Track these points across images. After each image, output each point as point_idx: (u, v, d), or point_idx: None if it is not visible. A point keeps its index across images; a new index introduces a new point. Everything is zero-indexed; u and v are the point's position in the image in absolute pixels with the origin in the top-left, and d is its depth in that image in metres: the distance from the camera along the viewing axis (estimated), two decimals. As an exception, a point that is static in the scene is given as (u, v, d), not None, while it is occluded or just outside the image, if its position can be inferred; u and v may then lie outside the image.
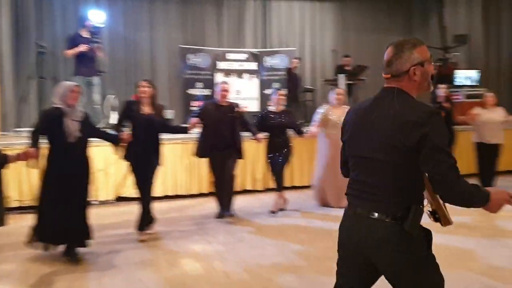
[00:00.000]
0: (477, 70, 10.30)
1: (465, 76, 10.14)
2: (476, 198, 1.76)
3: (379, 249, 1.85)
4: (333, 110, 6.23)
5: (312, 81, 11.46)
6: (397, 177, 1.83)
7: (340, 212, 2.09)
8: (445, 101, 7.24)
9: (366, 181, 1.92)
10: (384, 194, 1.86)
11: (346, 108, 5.00)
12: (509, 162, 8.41)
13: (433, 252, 1.92)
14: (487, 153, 6.93)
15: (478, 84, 10.06)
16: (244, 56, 10.38)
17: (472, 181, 1.79)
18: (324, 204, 6.41)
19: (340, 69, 9.65)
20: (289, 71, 9.84)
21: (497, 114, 6.98)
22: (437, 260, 1.92)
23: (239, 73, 10.27)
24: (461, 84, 9.95)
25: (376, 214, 1.86)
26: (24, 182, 6.07)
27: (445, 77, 9.40)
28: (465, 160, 7.41)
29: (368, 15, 12.01)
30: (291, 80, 9.73)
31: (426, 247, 1.89)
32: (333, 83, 9.18)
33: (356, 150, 1.99)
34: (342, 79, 8.98)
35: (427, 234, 1.89)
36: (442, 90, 7.30)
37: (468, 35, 10.57)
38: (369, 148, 1.89)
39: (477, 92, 9.39)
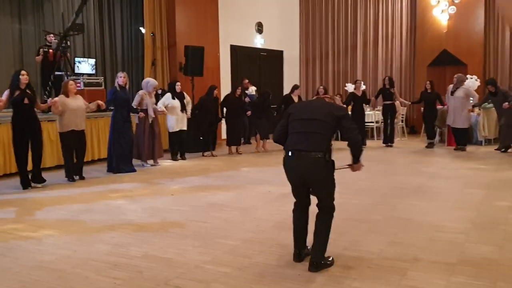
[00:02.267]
0: (93, 59, 10.67)
1: (85, 64, 10.35)
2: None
3: (313, 171, 3.47)
4: None
5: None
6: (325, 131, 3.49)
7: None
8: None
9: (307, 131, 3.49)
10: (317, 139, 3.46)
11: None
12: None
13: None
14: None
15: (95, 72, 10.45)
16: None
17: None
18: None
19: None
20: None
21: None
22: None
23: None
24: (80, 72, 10.10)
25: (312, 152, 3.43)
26: None
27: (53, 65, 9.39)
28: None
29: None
30: None
31: (333, 169, 3.51)
32: None
33: (301, 116, 3.59)
34: None
35: (333, 162, 3.50)
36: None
37: (83, 24, 10.76)
38: (312, 114, 3.56)
39: (95, 80, 9.74)
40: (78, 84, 9.37)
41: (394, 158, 9.53)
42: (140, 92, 8.32)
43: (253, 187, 6.64)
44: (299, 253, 3.72)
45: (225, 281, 3.37)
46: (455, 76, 10.38)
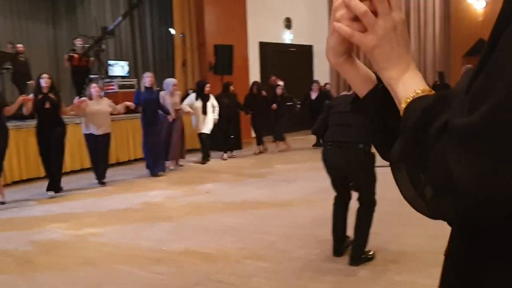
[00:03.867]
0: (126, 62, 10.90)
1: (118, 66, 10.59)
2: None
3: (353, 163, 3.49)
4: None
5: None
6: (364, 123, 3.14)
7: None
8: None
9: (346, 124, 3.51)
10: (356, 131, 3.44)
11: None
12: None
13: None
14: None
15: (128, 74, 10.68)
16: None
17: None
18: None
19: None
20: None
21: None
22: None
23: None
24: (114, 75, 10.34)
25: (352, 143, 3.46)
26: None
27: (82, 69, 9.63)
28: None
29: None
30: None
31: (373, 162, 3.48)
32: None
33: (340, 109, 3.55)
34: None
35: (374, 155, 3.43)
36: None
37: (115, 27, 11.00)
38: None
39: (129, 82, 9.95)
40: (112, 87, 9.62)
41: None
42: (161, 93, 8.08)
43: (288, 183, 6.66)
44: (339, 247, 3.72)
45: (265, 276, 3.40)
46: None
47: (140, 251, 4.01)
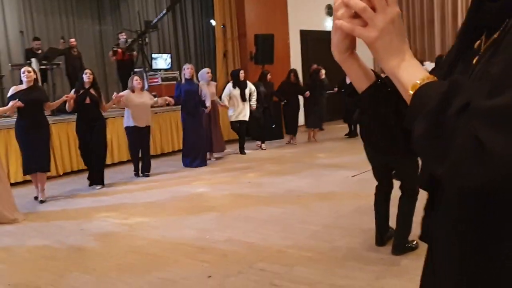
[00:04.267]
0: (168, 54, 11.09)
1: (161, 59, 10.81)
2: None
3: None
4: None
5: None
6: None
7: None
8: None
9: None
10: None
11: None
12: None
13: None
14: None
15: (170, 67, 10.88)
16: None
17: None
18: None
19: (30, 53, 8.86)
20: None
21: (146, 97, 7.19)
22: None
23: None
24: (157, 68, 10.56)
25: None
26: None
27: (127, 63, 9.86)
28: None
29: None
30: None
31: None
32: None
33: None
34: (35, 64, 8.25)
35: None
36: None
37: (159, 21, 11.21)
38: None
39: (171, 75, 10.13)
40: (156, 79, 9.83)
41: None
42: (199, 83, 8.00)
43: (330, 173, 6.61)
44: (382, 237, 3.69)
45: (308, 265, 3.42)
46: None
47: (185, 240, 4.11)
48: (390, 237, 3.65)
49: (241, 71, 8.70)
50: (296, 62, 12.50)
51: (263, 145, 9.20)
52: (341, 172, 6.53)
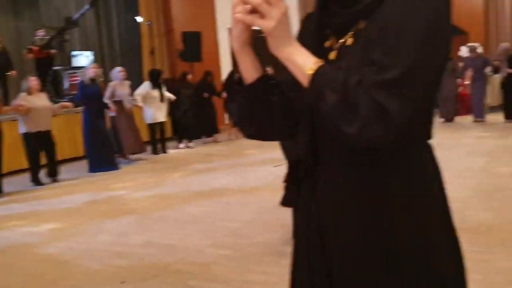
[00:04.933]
0: (91, 51, 10.68)
1: (82, 57, 10.37)
2: None
3: None
4: None
5: None
6: None
7: None
8: None
9: None
10: None
11: None
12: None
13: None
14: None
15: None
16: None
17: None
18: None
19: None
20: None
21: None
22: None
23: None
24: (79, 65, 10.12)
25: None
26: None
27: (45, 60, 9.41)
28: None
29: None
30: None
31: None
32: None
33: None
34: None
35: None
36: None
37: (79, 18, 10.74)
38: None
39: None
40: (77, 78, 9.41)
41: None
42: (112, 82, 7.83)
43: (256, 169, 6.64)
44: (299, 231, 3.73)
45: (225, 263, 3.39)
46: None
47: (100, 245, 3.95)
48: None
49: (162, 73, 8.81)
50: (225, 60, 12.47)
51: (190, 144, 9.17)
52: (267, 168, 6.57)
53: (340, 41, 0.99)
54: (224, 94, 9.36)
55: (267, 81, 1.05)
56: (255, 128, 1.10)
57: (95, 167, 7.21)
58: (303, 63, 0.93)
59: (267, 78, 1.05)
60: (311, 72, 0.91)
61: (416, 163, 0.99)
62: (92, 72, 7.23)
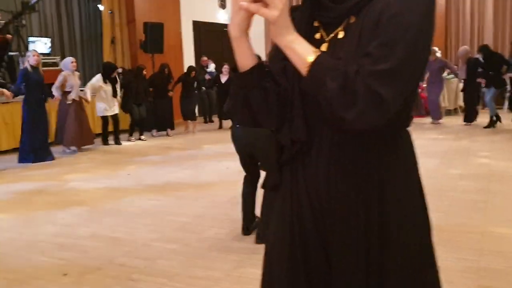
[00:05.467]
0: (49, 38, 10.35)
1: (40, 43, 10.03)
2: None
3: (259, 142, 3.42)
4: None
5: None
6: None
7: None
8: None
9: None
10: None
11: None
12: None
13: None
14: None
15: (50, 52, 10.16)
16: None
17: None
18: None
19: None
20: None
21: None
22: None
23: None
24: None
25: None
26: None
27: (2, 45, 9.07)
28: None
29: None
30: None
31: None
32: None
33: None
34: None
35: None
36: None
37: (37, 2, 10.38)
38: None
39: (51, 60, 9.47)
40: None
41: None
42: (63, 72, 7.69)
43: (212, 164, 6.62)
44: (247, 226, 3.74)
45: (171, 257, 3.36)
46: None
47: (44, 237, 3.85)
48: (256, 227, 3.72)
49: (118, 70, 8.79)
50: (188, 52, 12.36)
51: (142, 137, 9.14)
52: (223, 163, 6.57)
53: (331, 34, 1.08)
54: (172, 93, 9.45)
55: (262, 69, 1.09)
56: (249, 115, 1.14)
57: (34, 158, 7.03)
58: (303, 51, 1.00)
59: (262, 66, 1.09)
60: (311, 60, 0.99)
61: (407, 142, 1.17)
62: (33, 60, 7.03)
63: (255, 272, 3.09)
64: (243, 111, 1.14)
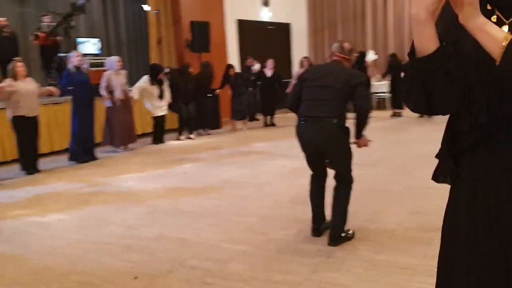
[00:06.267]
0: (98, 39, 10.47)
1: (88, 44, 10.16)
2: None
3: (327, 138, 3.30)
4: None
5: None
6: (339, 98, 3.29)
7: None
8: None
9: (320, 99, 3.30)
10: (330, 106, 3.27)
11: None
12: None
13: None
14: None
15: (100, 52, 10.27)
16: None
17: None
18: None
19: None
20: None
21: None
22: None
23: None
24: (85, 53, 9.90)
25: (326, 118, 3.26)
26: None
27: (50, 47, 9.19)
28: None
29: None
30: None
31: (348, 136, 3.34)
32: None
33: (315, 83, 3.37)
34: None
35: (348, 130, 3.33)
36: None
37: (85, 3, 10.51)
38: (326, 82, 3.33)
39: (100, 61, 9.55)
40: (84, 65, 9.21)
41: (407, 127, 9.28)
42: (106, 72, 7.67)
43: (267, 162, 6.47)
44: (318, 227, 3.57)
45: (243, 260, 3.22)
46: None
47: (109, 239, 3.78)
48: (327, 228, 3.54)
49: (166, 70, 8.83)
50: (232, 51, 12.27)
51: (191, 135, 9.12)
52: (278, 161, 6.41)
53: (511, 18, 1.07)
54: (218, 91, 9.52)
55: (445, 52, 1.06)
56: (426, 100, 1.10)
57: (79, 157, 7.10)
58: (496, 34, 0.99)
59: (445, 48, 1.06)
60: (505, 43, 0.98)
61: None
62: (76, 60, 7.04)
63: (335, 276, 2.93)
64: (420, 95, 1.10)
